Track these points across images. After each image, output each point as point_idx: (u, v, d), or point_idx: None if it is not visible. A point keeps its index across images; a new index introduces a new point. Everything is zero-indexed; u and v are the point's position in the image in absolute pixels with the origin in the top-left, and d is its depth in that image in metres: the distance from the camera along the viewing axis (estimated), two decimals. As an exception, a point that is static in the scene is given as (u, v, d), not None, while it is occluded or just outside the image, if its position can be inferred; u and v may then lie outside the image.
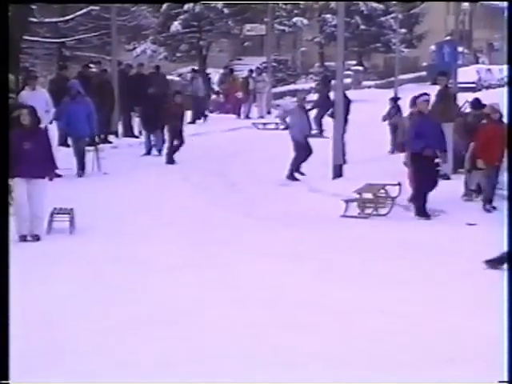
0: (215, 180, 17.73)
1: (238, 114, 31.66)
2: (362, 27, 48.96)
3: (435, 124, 13.92)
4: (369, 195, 14.33)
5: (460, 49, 33.20)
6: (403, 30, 48.99)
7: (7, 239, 5.51)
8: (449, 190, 14.20)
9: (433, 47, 45.05)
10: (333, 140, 17.58)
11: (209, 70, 41.82)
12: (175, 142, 19.54)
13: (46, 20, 29.66)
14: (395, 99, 21.73)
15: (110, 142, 22.53)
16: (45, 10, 30.68)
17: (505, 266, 8.94)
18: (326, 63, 48.24)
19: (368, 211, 14.10)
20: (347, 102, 21.20)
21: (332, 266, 10.04)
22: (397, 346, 6.92)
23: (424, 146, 13.46)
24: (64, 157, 18.42)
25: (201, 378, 6.23)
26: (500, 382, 5.50)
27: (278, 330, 7.41)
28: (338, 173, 17.07)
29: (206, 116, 30.01)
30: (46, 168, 11.53)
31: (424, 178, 13.53)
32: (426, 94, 14.76)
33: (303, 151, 17.49)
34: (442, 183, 14.51)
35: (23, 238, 11.28)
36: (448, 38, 37.84)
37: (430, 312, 7.98)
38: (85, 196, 14.69)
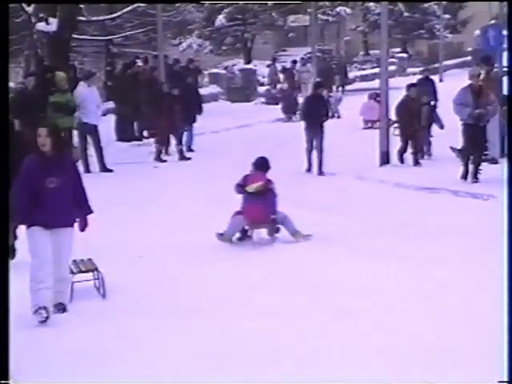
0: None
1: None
2: (406, 14, 48.84)
3: None
4: None
5: (505, 32, 32.91)
6: (447, 16, 48.83)
7: (7, 237, 5.71)
8: (497, 174, 14.20)
9: (477, 32, 44.87)
10: (379, 127, 17.70)
11: (254, 63, 42.25)
12: None
13: (94, 18, 30.16)
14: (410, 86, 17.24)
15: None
16: (92, 9, 31.24)
17: None
18: (370, 51, 48.25)
19: None
20: (433, 87, 18.91)
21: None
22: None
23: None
24: (117, 152, 19.01)
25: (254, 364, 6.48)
26: (500, 382, 5.49)
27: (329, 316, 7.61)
28: (384, 160, 17.21)
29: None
30: (76, 213, 8.02)
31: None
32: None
33: None
34: (490, 167, 14.70)
35: (42, 313, 7.54)
36: (493, 21, 37.59)
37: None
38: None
